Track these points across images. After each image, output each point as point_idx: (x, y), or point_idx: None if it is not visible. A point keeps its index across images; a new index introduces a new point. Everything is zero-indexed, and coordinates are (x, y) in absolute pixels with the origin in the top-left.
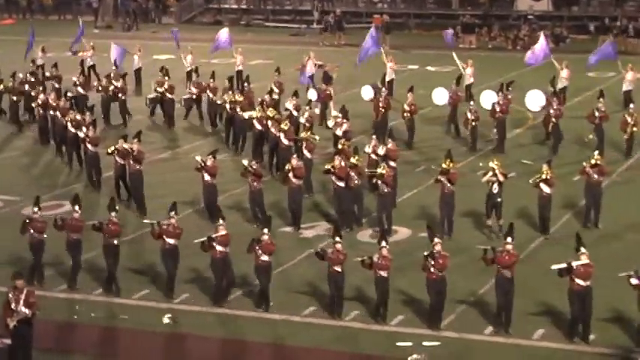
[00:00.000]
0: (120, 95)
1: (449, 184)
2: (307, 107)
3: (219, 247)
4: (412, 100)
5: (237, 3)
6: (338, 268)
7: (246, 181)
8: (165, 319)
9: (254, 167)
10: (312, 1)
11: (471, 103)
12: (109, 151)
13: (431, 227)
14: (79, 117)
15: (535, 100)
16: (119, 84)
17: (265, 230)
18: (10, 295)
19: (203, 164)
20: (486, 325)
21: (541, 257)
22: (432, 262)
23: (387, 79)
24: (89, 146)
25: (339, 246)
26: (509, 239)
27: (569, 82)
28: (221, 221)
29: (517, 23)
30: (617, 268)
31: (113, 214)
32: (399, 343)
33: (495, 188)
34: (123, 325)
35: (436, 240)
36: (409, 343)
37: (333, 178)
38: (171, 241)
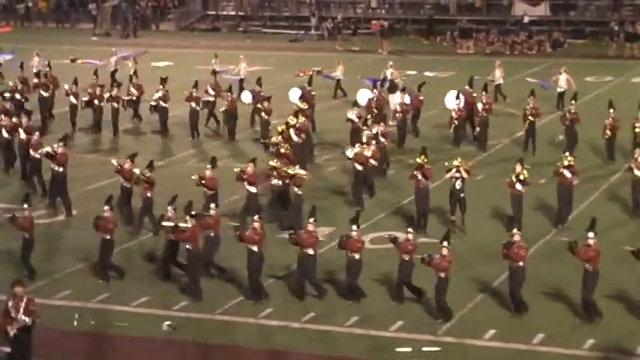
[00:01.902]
0: (114, 104)
1: (424, 179)
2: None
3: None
4: (403, 101)
5: (235, 9)
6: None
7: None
8: (165, 327)
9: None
10: (309, 8)
11: (530, 97)
12: (40, 154)
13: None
14: (15, 120)
15: (451, 99)
16: (114, 92)
17: (354, 227)
18: (10, 303)
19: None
20: (486, 329)
21: (538, 262)
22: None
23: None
24: (31, 151)
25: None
26: (591, 234)
27: (568, 87)
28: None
29: (514, 28)
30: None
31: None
32: (398, 349)
33: (458, 184)
34: (122, 333)
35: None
36: (408, 349)
37: (245, 183)
38: (254, 248)
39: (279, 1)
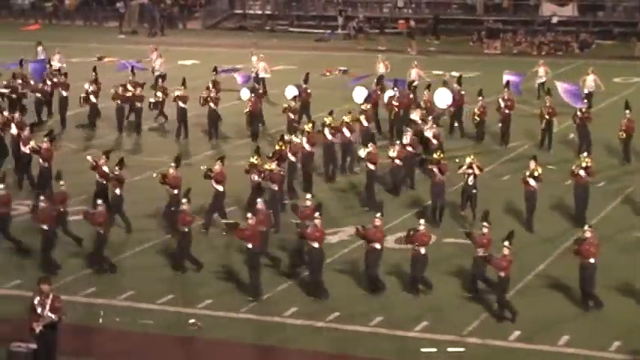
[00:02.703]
0: (137, 104)
1: (440, 174)
2: (432, 122)
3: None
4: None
5: (261, 8)
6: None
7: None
8: (190, 324)
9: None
10: (336, 7)
11: (547, 97)
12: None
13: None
14: (7, 115)
15: (442, 97)
16: (137, 91)
17: (422, 221)
18: (36, 300)
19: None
20: (511, 330)
21: (562, 263)
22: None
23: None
24: (21, 146)
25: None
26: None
27: (596, 87)
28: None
29: (542, 29)
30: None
31: (100, 201)
32: (423, 349)
33: (471, 180)
34: (147, 330)
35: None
36: (433, 349)
37: (213, 181)
38: (315, 244)
39: (305, 1)
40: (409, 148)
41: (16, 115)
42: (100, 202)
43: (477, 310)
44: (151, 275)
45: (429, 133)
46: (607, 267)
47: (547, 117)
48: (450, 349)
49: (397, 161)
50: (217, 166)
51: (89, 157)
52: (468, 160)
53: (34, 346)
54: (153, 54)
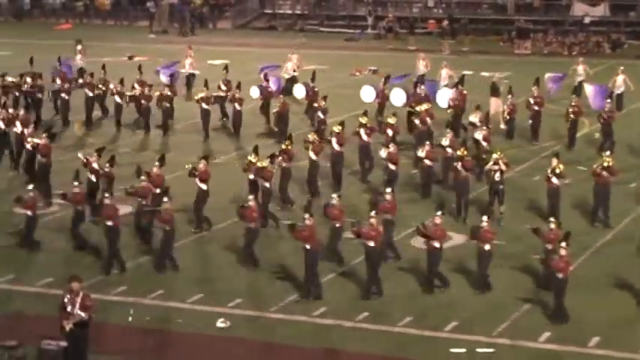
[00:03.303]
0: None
1: (464, 171)
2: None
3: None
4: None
5: (291, 8)
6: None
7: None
8: (219, 323)
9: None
10: (366, 7)
11: (573, 96)
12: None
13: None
14: (11, 112)
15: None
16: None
17: (484, 218)
18: (67, 298)
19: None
20: (541, 332)
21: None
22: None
23: (442, 84)
24: (25, 143)
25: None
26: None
27: (626, 88)
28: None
29: (573, 29)
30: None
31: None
32: (452, 350)
33: (498, 176)
34: (177, 329)
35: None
36: (462, 350)
37: (197, 180)
38: (371, 244)
39: (335, 0)
40: (449, 150)
41: (21, 112)
42: (165, 199)
43: (508, 311)
44: (181, 274)
45: (479, 135)
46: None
47: (572, 116)
48: (479, 350)
49: (427, 161)
50: (202, 165)
51: (80, 155)
52: (495, 156)
53: (64, 344)
54: (190, 51)
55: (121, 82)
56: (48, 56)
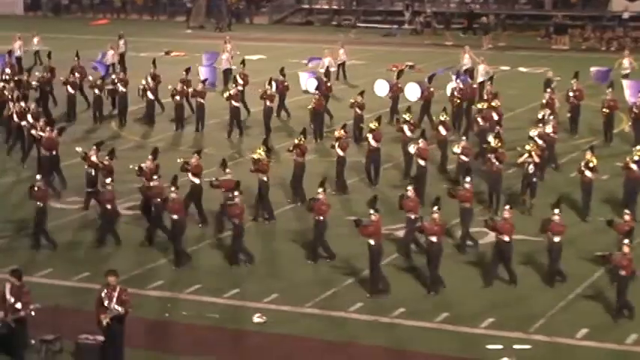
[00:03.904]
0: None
1: (497, 163)
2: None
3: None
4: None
5: (328, 3)
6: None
7: None
8: (256, 319)
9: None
10: (403, 2)
11: (608, 90)
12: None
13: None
14: (23, 105)
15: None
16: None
17: (556, 210)
18: (103, 293)
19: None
20: (578, 328)
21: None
22: None
23: (479, 79)
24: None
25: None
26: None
27: None
28: None
29: (611, 24)
30: None
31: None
32: (489, 346)
33: (531, 168)
34: (213, 324)
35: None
36: (499, 346)
37: (189, 174)
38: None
39: None
40: (463, 157)
41: (32, 105)
42: (236, 193)
43: (544, 307)
44: (217, 269)
45: (534, 133)
46: None
47: (607, 111)
48: (516, 347)
49: (463, 157)
50: (194, 160)
51: (78, 149)
52: (528, 147)
53: (101, 338)
54: (227, 45)
55: (153, 78)
56: (84, 52)
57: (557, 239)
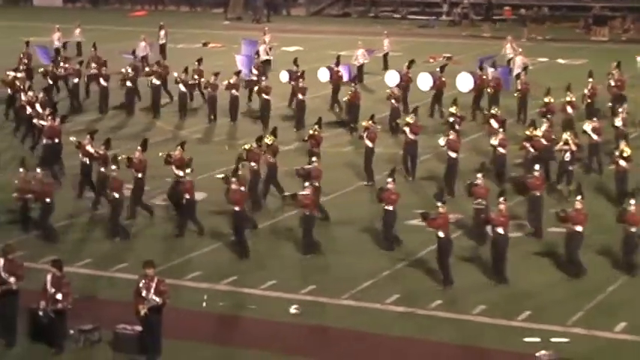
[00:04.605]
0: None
1: (533, 150)
2: (622, 110)
3: None
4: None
5: None
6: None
7: None
8: (292, 310)
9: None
10: None
11: None
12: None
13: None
14: (31, 94)
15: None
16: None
17: (632, 201)
18: (142, 283)
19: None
20: (617, 321)
21: None
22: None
23: (516, 71)
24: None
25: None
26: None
27: None
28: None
29: None
30: None
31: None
32: (526, 339)
33: (568, 156)
34: (250, 315)
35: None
36: (537, 339)
37: (173, 167)
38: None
39: None
40: (543, 141)
41: (40, 95)
42: (307, 184)
43: (583, 300)
44: (253, 261)
45: (587, 127)
46: None
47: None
48: (553, 339)
49: (500, 149)
50: (177, 152)
51: (72, 138)
52: (565, 136)
53: (139, 328)
54: (265, 37)
55: (185, 70)
56: (123, 43)
57: (633, 229)
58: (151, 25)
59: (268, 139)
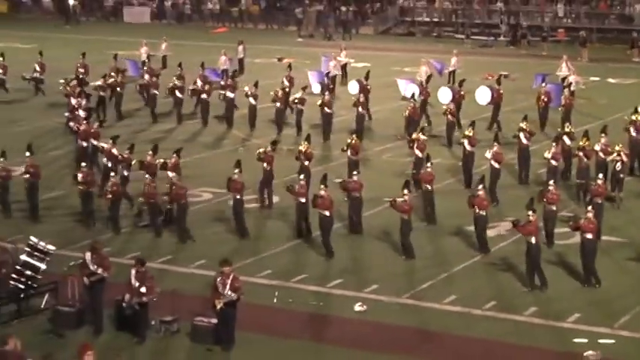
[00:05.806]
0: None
1: (585, 159)
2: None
3: None
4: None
5: (429, 16)
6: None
7: None
8: (357, 307)
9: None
10: (499, 15)
11: None
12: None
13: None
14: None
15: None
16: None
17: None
18: (218, 280)
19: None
20: None
21: None
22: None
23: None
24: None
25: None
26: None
27: None
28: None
29: None
30: None
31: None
32: (575, 340)
33: (619, 166)
34: (317, 312)
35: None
36: (585, 340)
37: (168, 172)
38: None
39: (470, 9)
40: (601, 154)
41: (83, 102)
42: (405, 191)
43: (631, 303)
44: (323, 260)
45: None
46: None
47: None
48: (600, 341)
49: (553, 162)
50: (174, 159)
51: (94, 142)
52: (617, 148)
53: (215, 321)
54: (342, 53)
55: (256, 84)
56: (205, 57)
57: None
58: (230, 40)
59: (303, 146)
